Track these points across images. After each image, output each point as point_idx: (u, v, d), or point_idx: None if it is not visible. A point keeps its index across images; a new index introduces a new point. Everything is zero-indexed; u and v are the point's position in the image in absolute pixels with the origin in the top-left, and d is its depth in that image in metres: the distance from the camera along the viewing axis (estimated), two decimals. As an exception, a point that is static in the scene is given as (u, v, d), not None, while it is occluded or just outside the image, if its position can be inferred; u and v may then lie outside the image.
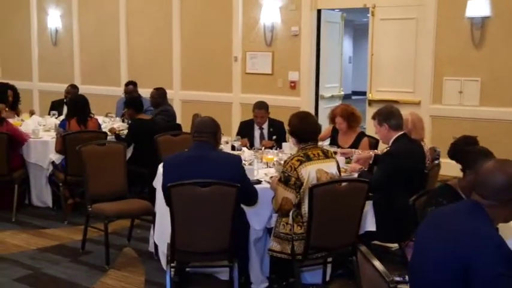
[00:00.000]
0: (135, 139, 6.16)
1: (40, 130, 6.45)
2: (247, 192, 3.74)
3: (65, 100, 7.68)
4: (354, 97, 18.56)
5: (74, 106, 6.21)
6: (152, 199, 4.90)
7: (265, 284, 4.14)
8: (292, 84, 9.08)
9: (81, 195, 5.87)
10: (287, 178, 3.73)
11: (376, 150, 4.85)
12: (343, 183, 3.74)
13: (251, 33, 9.32)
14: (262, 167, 4.70)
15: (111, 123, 7.14)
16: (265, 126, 6.05)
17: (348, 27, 10.16)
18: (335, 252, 3.91)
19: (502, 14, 7.40)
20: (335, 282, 4.32)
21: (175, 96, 9.84)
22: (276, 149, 5.33)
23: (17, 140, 5.96)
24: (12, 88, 7.50)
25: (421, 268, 2.33)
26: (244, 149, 5.21)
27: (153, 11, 10.28)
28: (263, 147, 5.41)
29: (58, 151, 5.94)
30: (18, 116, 7.36)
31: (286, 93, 9.11)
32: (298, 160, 3.76)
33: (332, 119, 5.53)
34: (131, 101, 6.54)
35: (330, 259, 4.12)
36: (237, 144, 5.38)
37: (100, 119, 6.86)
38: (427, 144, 5.19)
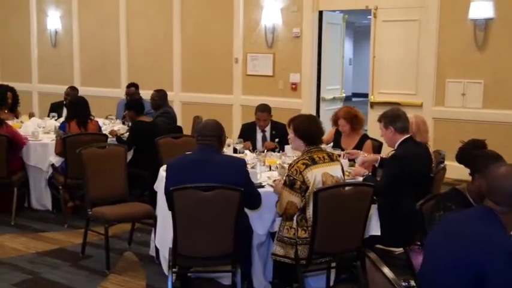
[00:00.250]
0: (136, 141, 6.10)
1: (40, 132, 6.39)
2: (251, 196, 3.68)
3: (64, 102, 7.63)
4: (354, 99, 18.51)
5: (74, 108, 6.16)
6: (153, 202, 4.85)
7: (268, 288, 4.08)
8: (294, 86, 9.02)
9: (81, 198, 5.81)
10: (292, 182, 3.67)
11: (381, 155, 4.77)
12: (348, 187, 3.68)
13: (252, 35, 9.27)
14: (265, 170, 4.64)
15: (111, 125, 7.08)
16: (268, 129, 5.98)
17: (348, 29, 10.13)
18: (339, 257, 3.84)
19: (506, 16, 7.35)
20: (339, 287, 4.25)
21: (176, 98, 9.78)
22: (279, 152, 5.28)
23: (16, 143, 5.90)
24: (12, 90, 7.43)
25: (432, 275, 2.27)
26: (247, 151, 5.15)
27: (153, 12, 10.23)
28: (265, 150, 5.34)
29: (58, 153, 5.88)
30: (17, 118, 7.30)
31: (288, 95, 9.06)
32: (303, 163, 3.70)
33: (335, 121, 5.47)
34: (132, 103, 6.48)
35: (333, 264, 4.05)
36: (239, 147, 5.32)
37: (100, 121, 6.80)
38: (431, 147, 5.13)
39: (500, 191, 2.21)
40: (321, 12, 8.84)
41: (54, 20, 11.42)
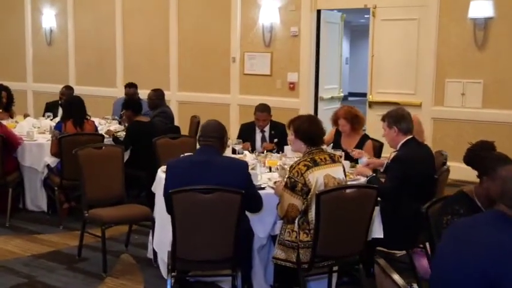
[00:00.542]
0: (133, 142, 6.02)
1: (35, 132, 6.30)
2: (252, 199, 3.60)
3: (59, 101, 7.52)
4: (350, 98, 18.45)
5: (70, 108, 6.07)
6: (150, 203, 4.78)
7: (269, 292, 4.00)
8: (291, 86, 8.95)
9: (76, 199, 5.73)
10: (293, 184, 3.60)
11: (386, 160, 4.68)
12: (352, 190, 3.60)
13: (249, 34, 9.18)
14: (265, 171, 4.55)
15: (107, 125, 6.99)
16: (267, 129, 5.90)
17: (344, 28, 10.05)
18: (342, 261, 3.77)
19: (506, 15, 7.29)
20: (340, 290, 4.18)
21: (173, 98, 9.69)
22: (278, 152, 5.20)
23: (10, 143, 5.80)
24: (6, 89, 7.33)
25: (443, 283, 2.19)
26: (246, 152, 5.07)
27: (150, 11, 10.13)
28: (264, 151, 5.26)
29: (53, 154, 5.79)
30: (12, 118, 7.19)
31: (285, 94, 8.98)
32: (305, 165, 3.62)
33: (335, 121, 5.40)
34: (130, 103, 6.39)
35: (335, 267, 3.97)
36: (238, 147, 5.23)
37: (96, 121, 6.71)
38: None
39: None
40: (319, 11, 8.77)
41: (49, 18, 11.29)
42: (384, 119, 4.32)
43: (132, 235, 5.11)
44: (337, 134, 5.41)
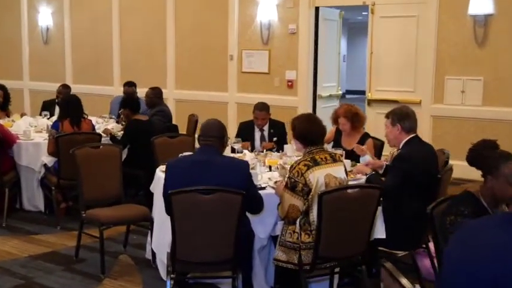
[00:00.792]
0: (130, 140, 5.96)
1: (31, 131, 6.23)
2: (253, 200, 3.54)
3: (56, 100, 7.46)
4: (347, 96, 18.40)
5: (67, 107, 5.99)
6: (148, 203, 4.72)
7: (270, 294, 3.95)
8: (290, 84, 8.89)
9: (74, 199, 5.66)
10: (294, 184, 3.54)
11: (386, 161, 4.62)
12: (354, 190, 3.54)
13: (247, 31, 9.12)
14: (265, 170, 4.50)
15: (105, 124, 6.93)
16: (266, 127, 5.84)
17: (342, 26, 10.00)
18: (345, 262, 3.71)
19: (506, 12, 7.24)
20: (342, 291, 4.13)
21: (170, 96, 9.61)
22: (278, 151, 5.14)
23: (6, 141, 5.74)
24: (3, 88, 7.24)
25: None
26: (246, 151, 5.00)
27: (147, 8, 10.05)
28: (264, 150, 5.20)
29: (50, 153, 5.72)
30: (8, 116, 7.11)
31: (284, 92, 8.92)
32: (305, 165, 3.56)
33: (335, 119, 5.34)
34: (127, 101, 6.32)
35: (337, 269, 3.92)
36: (237, 146, 5.17)
37: (93, 119, 6.64)
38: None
39: None
40: (317, 8, 8.71)
41: (45, 17, 11.20)
42: (388, 116, 4.26)
43: (130, 235, 5.05)
44: (338, 133, 5.35)
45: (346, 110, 5.21)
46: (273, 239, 3.89)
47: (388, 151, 5.18)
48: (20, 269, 4.56)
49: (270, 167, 4.59)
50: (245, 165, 3.59)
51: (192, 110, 8.03)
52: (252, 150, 5.27)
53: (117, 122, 6.92)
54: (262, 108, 5.80)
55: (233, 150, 5.17)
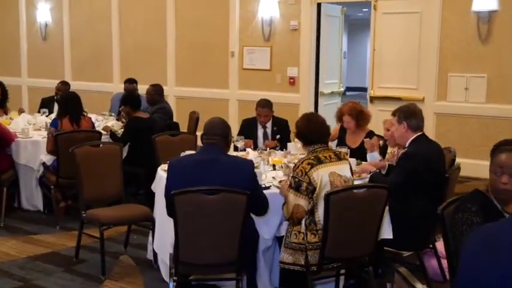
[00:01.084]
0: (131, 138, 5.87)
1: (30, 129, 6.13)
2: (258, 201, 3.45)
3: (55, 97, 7.36)
4: (348, 93, 18.30)
5: (66, 104, 5.89)
6: (149, 202, 4.64)
7: (275, 296, 3.87)
8: (291, 81, 8.80)
9: (73, 198, 5.57)
10: (298, 183, 3.46)
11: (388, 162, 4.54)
12: (362, 190, 3.46)
13: (248, 28, 9.02)
14: (268, 169, 4.41)
15: (105, 121, 6.83)
16: (269, 125, 5.75)
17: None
18: (352, 263, 3.63)
19: (510, 8, 7.16)
20: (348, 293, 4.05)
21: (170, 93, 9.51)
22: (282, 150, 5.05)
23: (5, 139, 5.65)
24: (1, 85, 7.14)
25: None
26: (249, 150, 4.91)
27: (147, 4, 9.95)
28: (267, 148, 5.11)
29: (49, 152, 5.63)
30: (6, 114, 7.01)
31: (285, 89, 8.83)
32: (309, 163, 3.49)
33: (339, 117, 5.26)
34: (128, 98, 6.23)
35: (343, 270, 3.84)
36: (240, 144, 5.08)
37: (93, 117, 6.55)
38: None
39: None
40: (319, 5, 8.61)
41: (44, 13, 11.09)
42: (394, 113, 4.19)
43: (131, 235, 4.96)
44: (342, 131, 5.27)
45: (351, 107, 5.12)
46: (278, 239, 3.81)
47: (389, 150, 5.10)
48: (18, 270, 4.47)
49: (274, 166, 4.50)
50: (250, 164, 3.50)
51: (193, 107, 7.94)
52: (255, 148, 5.18)
53: (118, 120, 6.83)
54: (264, 105, 5.71)
55: (236, 149, 5.08)
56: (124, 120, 6.41)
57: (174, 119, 7.11)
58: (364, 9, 16.03)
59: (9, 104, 7.33)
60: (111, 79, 10.41)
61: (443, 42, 7.61)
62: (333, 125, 5.55)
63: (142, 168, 5.67)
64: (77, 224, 4.70)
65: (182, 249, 3.35)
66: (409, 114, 4.07)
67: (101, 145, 5.01)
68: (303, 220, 3.50)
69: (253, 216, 3.61)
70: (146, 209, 4.56)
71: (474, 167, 6.56)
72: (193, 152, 4.54)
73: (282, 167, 4.35)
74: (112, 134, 6.11)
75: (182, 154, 4.43)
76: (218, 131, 3.46)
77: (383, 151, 5.25)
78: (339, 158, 3.65)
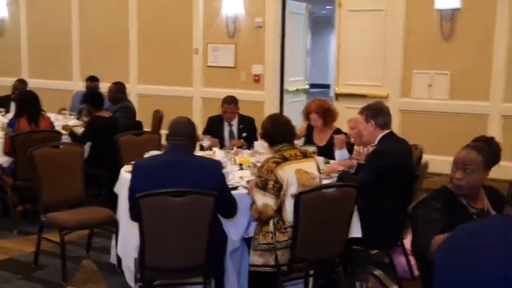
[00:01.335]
0: (92, 138, 5.69)
1: (-15, 130, 5.88)
2: (227, 202, 3.35)
3: (12, 96, 7.09)
4: (311, 90, 18.32)
5: (23, 103, 5.67)
6: (111, 203, 4.49)
7: (243, 299, 3.77)
8: (256, 78, 8.71)
9: (31, 200, 5.36)
10: (264, 182, 3.42)
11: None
12: (332, 189, 3.40)
13: (213, 24, 8.89)
14: (235, 169, 4.30)
15: (64, 120, 6.61)
16: (235, 122, 5.65)
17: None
18: (323, 263, 3.57)
19: (472, 6, 7.23)
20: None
21: (132, 91, 9.28)
22: (249, 149, 4.96)
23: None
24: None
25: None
26: (215, 149, 4.80)
27: None
28: (234, 147, 5.00)
29: (6, 153, 5.39)
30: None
31: (250, 87, 8.74)
32: (274, 162, 3.47)
33: (306, 115, 5.19)
34: (90, 96, 6.03)
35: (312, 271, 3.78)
36: (205, 144, 4.95)
37: (52, 116, 6.33)
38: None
39: None
40: (284, 1, 8.55)
41: (-1, 8, 10.74)
42: (361, 112, 4.15)
43: (93, 238, 4.79)
44: (309, 129, 5.20)
45: (318, 105, 5.06)
46: (246, 240, 3.72)
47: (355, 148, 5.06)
48: (-27, 278, 4.27)
49: (240, 165, 4.40)
50: (218, 165, 3.39)
51: (156, 105, 7.78)
52: (221, 147, 5.07)
53: (78, 119, 6.62)
54: (230, 101, 5.62)
55: (201, 148, 4.96)
56: (85, 119, 6.21)
57: (137, 118, 6.94)
58: (327, 7, 16.09)
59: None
60: (70, 77, 10.15)
61: (407, 39, 7.65)
62: (299, 123, 5.50)
63: (104, 169, 5.51)
64: (36, 228, 4.51)
65: (148, 254, 3.22)
66: (376, 112, 4.04)
67: (61, 146, 4.82)
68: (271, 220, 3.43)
69: (220, 217, 3.50)
70: (109, 211, 4.41)
71: (438, 163, 6.57)
72: (157, 152, 4.42)
73: (249, 166, 4.25)
74: (71, 132, 5.91)
75: (146, 154, 4.30)
76: (184, 131, 3.34)
77: (349, 149, 5.22)
78: (305, 155, 3.65)
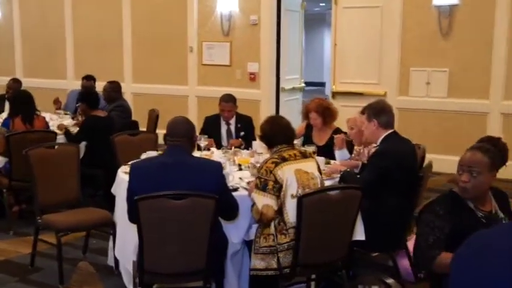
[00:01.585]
0: (87, 138, 5.61)
1: (-21, 130, 5.79)
2: (228, 205, 3.28)
3: (6, 95, 7.01)
4: (306, 88, 18.25)
5: (18, 103, 5.60)
6: (108, 204, 4.42)
7: (244, 303, 3.71)
8: (252, 76, 8.64)
9: (27, 201, 5.29)
10: (264, 183, 3.37)
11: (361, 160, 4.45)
12: (336, 191, 3.34)
13: (207, 22, 8.82)
14: (234, 169, 4.24)
15: (59, 119, 6.53)
16: (233, 121, 5.57)
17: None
18: (326, 267, 3.51)
19: (470, 2, 7.18)
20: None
21: (127, 90, 9.19)
22: (247, 149, 4.89)
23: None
24: None
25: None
26: (213, 149, 4.73)
27: (102, -2, 9.63)
28: (232, 147, 4.94)
29: (1, 153, 5.31)
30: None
31: (246, 85, 8.66)
32: (273, 162, 3.42)
33: (306, 114, 5.12)
34: (85, 95, 5.95)
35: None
36: (203, 144, 4.88)
37: (47, 116, 6.25)
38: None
39: None
40: (279, -1, 8.48)
41: (-8, 6, 10.63)
42: (363, 111, 4.07)
43: (90, 239, 4.72)
44: (309, 128, 5.13)
45: (318, 104, 5.00)
46: (246, 243, 3.65)
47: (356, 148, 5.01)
48: (-32, 281, 4.19)
49: (239, 166, 4.33)
50: (218, 166, 3.31)
51: (151, 104, 7.71)
52: (219, 147, 5.00)
53: (73, 118, 6.54)
54: (228, 99, 5.54)
55: (199, 148, 4.88)
56: (80, 119, 6.13)
57: (132, 117, 6.86)
58: (321, 4, 16.02)
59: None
60: (64, 76, 10.06)
61: (404, 36, 7.59)
62: (295, 121, 5.43)
63: (100, 169, 5.46)
64: (32, 229, 4.46)
65: (147, 258, 3.15)
66: (379, 111, 3.95)
67: (56, 146, 4.75)
68: (272, 222, 3.37)
69: (221, 220, 3.44)
70: (106, 212, 4.34)
71: (437, 162, 6.52)
72: (154, 152, 4.36)
73: (249, 167, 4.19)
74: (66, 131, 5.83)
75: (143, 155, 4.24)
76: (182, 132, 3.26)
77: (349, 148, 5.16)
78: (305, 156, 3.60)
